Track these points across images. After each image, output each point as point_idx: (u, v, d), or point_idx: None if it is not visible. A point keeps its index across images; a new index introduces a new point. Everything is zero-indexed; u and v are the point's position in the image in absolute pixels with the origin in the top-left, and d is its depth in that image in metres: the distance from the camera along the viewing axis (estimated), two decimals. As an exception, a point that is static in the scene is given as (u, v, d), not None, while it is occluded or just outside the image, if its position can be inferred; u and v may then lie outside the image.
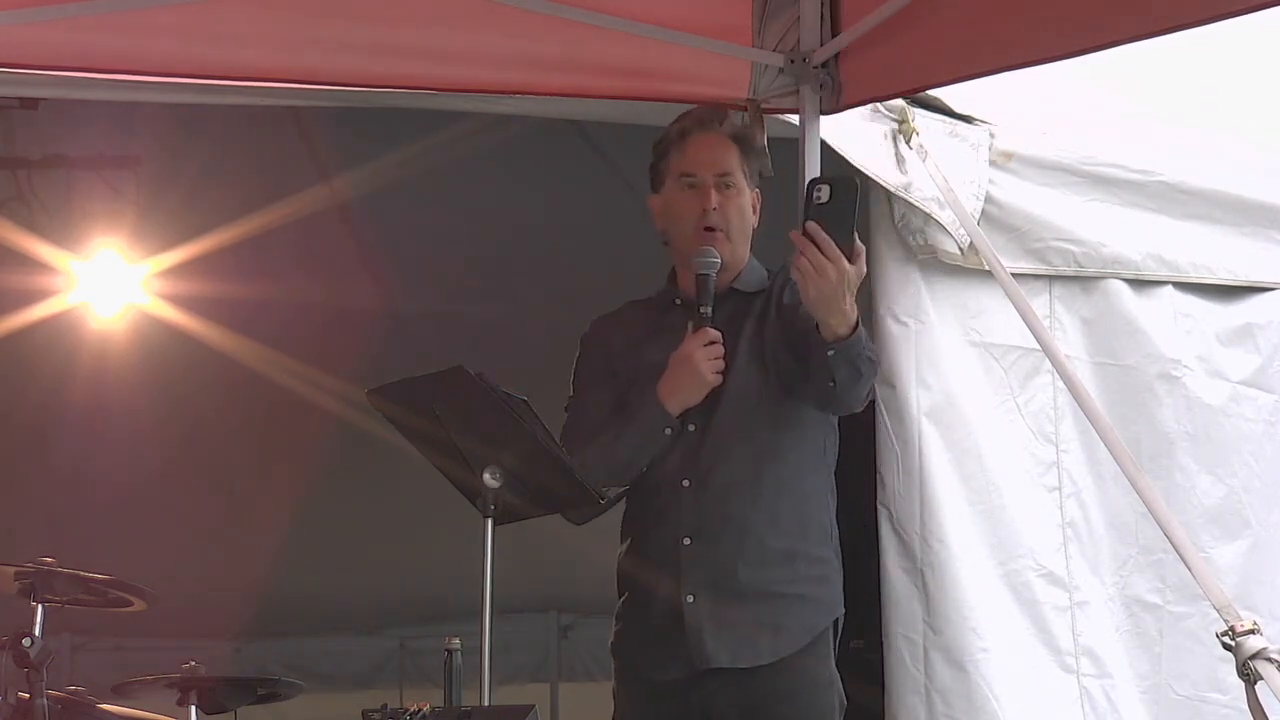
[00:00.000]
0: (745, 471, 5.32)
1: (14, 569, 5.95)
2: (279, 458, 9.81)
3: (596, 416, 5.42)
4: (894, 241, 6.06)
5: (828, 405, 5.29)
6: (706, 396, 5.32)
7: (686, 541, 5.31)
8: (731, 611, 5.28)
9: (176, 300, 8.88)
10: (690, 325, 5.37)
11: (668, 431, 5.32)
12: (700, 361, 5.30)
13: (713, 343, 5.32)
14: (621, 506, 5.50)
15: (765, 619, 5.28)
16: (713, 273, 5.35)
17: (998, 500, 6.07)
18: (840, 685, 5.37)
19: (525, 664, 10.83)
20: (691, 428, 5.36)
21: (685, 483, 5.34)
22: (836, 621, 5.38)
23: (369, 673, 11.03)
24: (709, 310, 5.35)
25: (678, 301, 5.51)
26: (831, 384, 5.11)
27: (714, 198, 5.38)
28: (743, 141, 5.50)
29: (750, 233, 5.47)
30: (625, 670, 5.48)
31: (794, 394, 5.32)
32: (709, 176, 5.40)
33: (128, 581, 6.14)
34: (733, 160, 5.43)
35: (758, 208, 5.48)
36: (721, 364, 5.32)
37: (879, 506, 6.03)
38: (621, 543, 5.50)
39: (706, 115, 5.51)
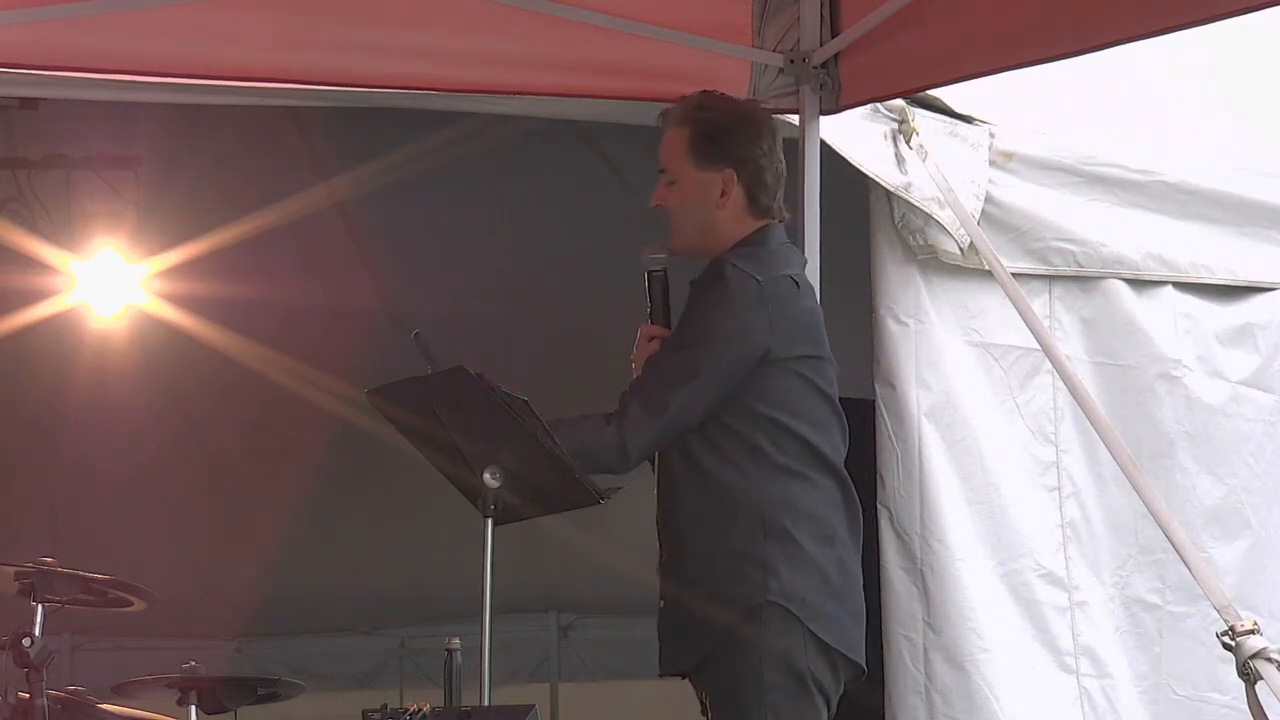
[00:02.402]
0: (676, 472, 5.18)
1: (14, 569, 5.95)
2: (279, 457, 9.80)
3: None
4: (894, 241, 6.06)
5: None
6: None
7: (658, 545, 5.26)
8: (664, 618, 5.21)
9: (176, 300, 8.87)
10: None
11: None
12: (637, 362, 5.24)
13: (653, 339, 5.23)
14: (622, 497, 5.42)
15: (680, 625, 5.16)
16: (653, 268, 5.27)
17: (997, 500, 6.08)
18: (791, 658, 5.05)
19: (525, 664, 10.80)
20: None
21: (655, 488, 5.28)
22: (769, 603, 5.05)
23: (369, 673, 11.03)
24: (650, 307, 5.28)
25: None
26: None
27: (654, 197, 5.30)
28: (696, 122, 5.25)
29: (703, 218, 5.21)
30: None
31: None
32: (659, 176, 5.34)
33: (128, 581, 6.14)
34: (673, 150, 5.25)
35: (728, 189, 5.20)
36: None
37: (879, 506, 6.04)
38: None
39: (663, 114, 5.34)
